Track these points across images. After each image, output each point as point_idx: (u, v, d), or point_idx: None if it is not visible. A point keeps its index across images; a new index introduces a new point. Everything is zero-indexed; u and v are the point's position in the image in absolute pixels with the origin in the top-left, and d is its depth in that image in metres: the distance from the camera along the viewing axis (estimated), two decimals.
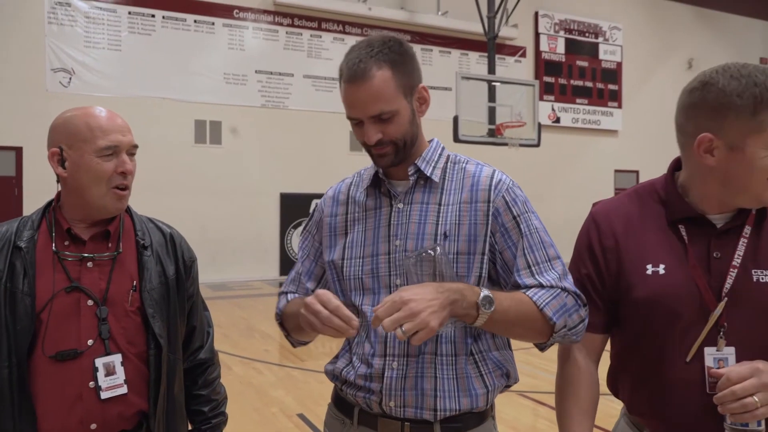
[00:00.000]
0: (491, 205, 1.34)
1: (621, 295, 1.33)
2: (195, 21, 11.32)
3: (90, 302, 1.38)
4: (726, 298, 1.24)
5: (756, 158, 1.19)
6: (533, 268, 1.32)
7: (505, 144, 9.96)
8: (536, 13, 14.38)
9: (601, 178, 15.21)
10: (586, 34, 15.11)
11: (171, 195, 10.85)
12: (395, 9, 12.86)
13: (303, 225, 1.55)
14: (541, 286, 1.30)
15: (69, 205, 1.44)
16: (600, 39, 15.28)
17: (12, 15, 10.00)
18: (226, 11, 11.56)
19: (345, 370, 1.41)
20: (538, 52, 14.50)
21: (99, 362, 1.35)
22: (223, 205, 11.33)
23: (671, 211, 1.33)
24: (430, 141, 1.45)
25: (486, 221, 1.33)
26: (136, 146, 1.45)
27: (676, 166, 1.43)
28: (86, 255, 1.41)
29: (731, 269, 1.25)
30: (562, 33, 14.79)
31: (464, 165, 1.41)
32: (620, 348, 1.41)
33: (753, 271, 1.25)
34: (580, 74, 14.99)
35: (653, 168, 15.71)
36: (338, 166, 12.34)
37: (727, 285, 1.24)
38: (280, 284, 11.02)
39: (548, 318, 1.26)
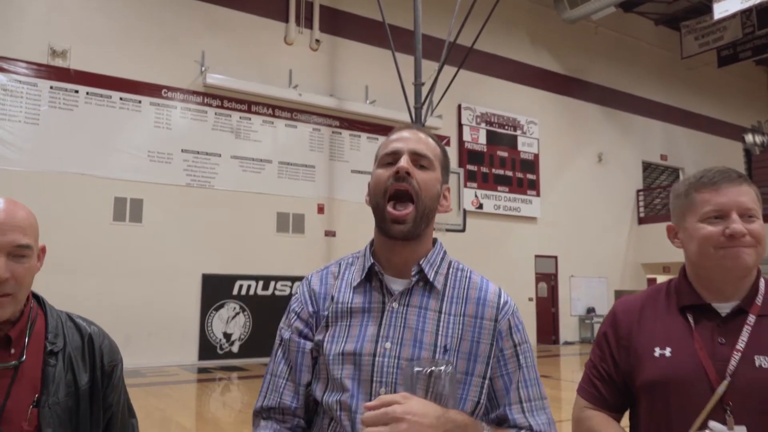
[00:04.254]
0: (497, 325, 1.26)
1: (633, 377, 1.44)
2: (121, 98, 11.15)
3: None
4: (729, 378, 1.30)
5: (695, 230, 1.39)
6: (525, 405, 1.24)
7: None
8: (459, 106, 15.12)
9: (523, 263, 15.65)
10: (506, 127, 15.96)
11: (84, 274, 10.26)
12: (325, 96, 13.19)
13: (283, 317, 1.38)
14: (531, 429, 1.23)
15: None
16: (518, 132, 16.17)
17: None
18: (154, 90, 11.48)
19: None
20: (461, 141, 15.14)
21: None
22: (140, 285, 10.78)
23: (679, 298, 1.45)
24: (434, 242, 1.36)
25: (490, 341, 1.25)
26: (23, 246, 1.24)
27: None
28: None
29: (734, 352, 1.33)
30: (483, 125, 15.56)
31: (469, 274, 1.34)
32: (635, 425, 1.49)
33: (755, 356, 1.32)
34: (501, 164, 15.70)
35: (571, 253, 16.40)
36: (264, 247, 12.18)
37: (731, 367, 1.32)
38: (199, 370, 10.47)
39: None
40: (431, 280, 1.27)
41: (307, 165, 12.89)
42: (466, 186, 13.89)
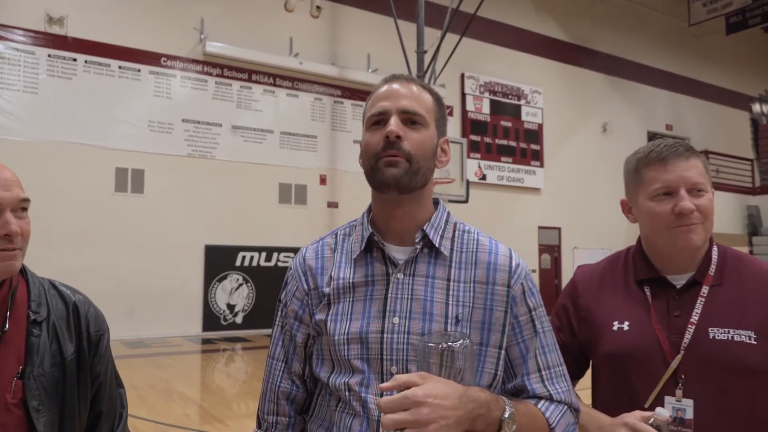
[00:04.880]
0: (510, 290, 1.17)
1: (592, 348, 1.47)
2: (120, 67, 10.98)
3: None
4: (683, 352, 1.33)
5: (645, 208, 1.41)
6: (544, 373, 1.18)
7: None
8: (462, 75, 14.91)
9: (526, 234, 15.62)
10: (509, 96, 15.77)
11: (87, 245, 10.24)
12: (326, 64, 13.00)
13: (279, 297, 1.31)
14: (551, 398, 1.17)
15: None
16: (522, 101, 15.98)
17: None
18: (154, 59, 11.30)
19: None
20: (464, 111, 14.97)
21: None
22: (143, 256, 10.77)
23: (635, 272, 1.47)
24: (436, 203, 1.26)
25: (505, 308, 1.16)
26: (26, 200, 1.24)
27: None
28: None
29: (689, 326, 1.35)
30: (487, 94, 15.37)
31: (476, 236, 1.24)
32: (595, 394, 1.53)
33: (710, 329, 1.34)
34: (504, 134, 15.55)
35: (574, 224, 16.35)
36: (266, 218, 12.12)
37: (686, 340, 1.34)
38: (203, 341, 10.52)
39: None
40: (437, 245, 1.18)
41: (309, 135, 12.76)
42: (469, 157, 13.75)
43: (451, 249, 1.20)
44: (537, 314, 1.20)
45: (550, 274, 16.04)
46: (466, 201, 10.44)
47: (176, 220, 11.15)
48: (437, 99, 1.24)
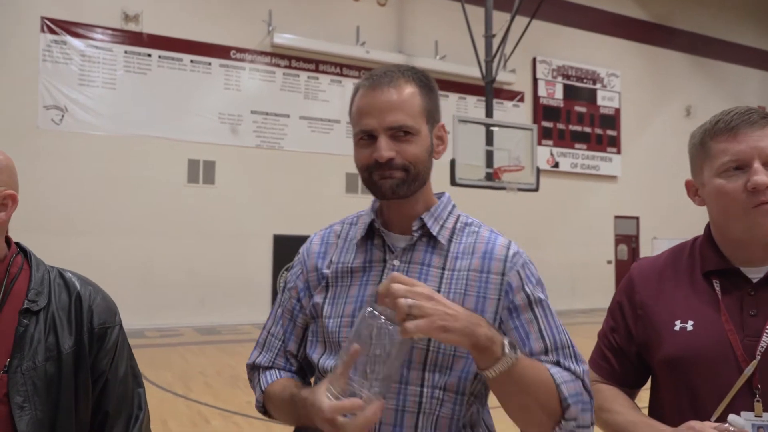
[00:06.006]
0: (504, 278, 1.14)
1: (650, 352, 1.26)
2: (191, 61, 11.28)
3: None
4: (759, 357, 1.13)
5: (713, 187, 1.19)
6: (552, 353, 1.11)
7: (503, 188, 9.78)
8: (534, 59, 14.42)
9: (601, 224, 15.00)
10: (584, 81, 15.14)
11: (160, 235, 10.60)
12: (393, 52, 12.88)
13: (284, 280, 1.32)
14: (559, 364, 1.10)
15: None
16: (598, 85, 15.31)
17: (5, 51, 9.92)
18: (223, 52, 11.53)
19: None
20: (536, 97, 14.49)
21: None
22: (214, 246, 11.06)
23: (702, 263, 1.25)
24: (440, 195, 1.24)
25: (497, 296, 1.13)
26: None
27: None
28: None
29: (767, 327, 1.14)
30: (560, 79, 14.82)
31: (477, 229, 1.21)
32: (652, 406, 1.32)
33: None
34: (578, 120, 14.95)
35: (654, 213, 15.56)
36: (333, 208, 12.14)
37: (763, 344, 1.13)
38: None
39: (563, 398, 1.05)
40: (435, 234, 1.17)
41: None
42: (540, 144, 13.31)
43: (450, 240, 1.19)
44: (536, 298, 1.14)
45: (626, 265, 15.33)
46: (536, 189, 10.10)
47: (246, 210, 11.37)
48: (424, 87, 1.17)
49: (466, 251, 1.17)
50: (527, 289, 1.14)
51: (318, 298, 1.21)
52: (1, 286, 1.15)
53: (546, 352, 1.11)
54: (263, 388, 1.24)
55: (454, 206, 1.24)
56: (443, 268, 1.15)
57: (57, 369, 1.15)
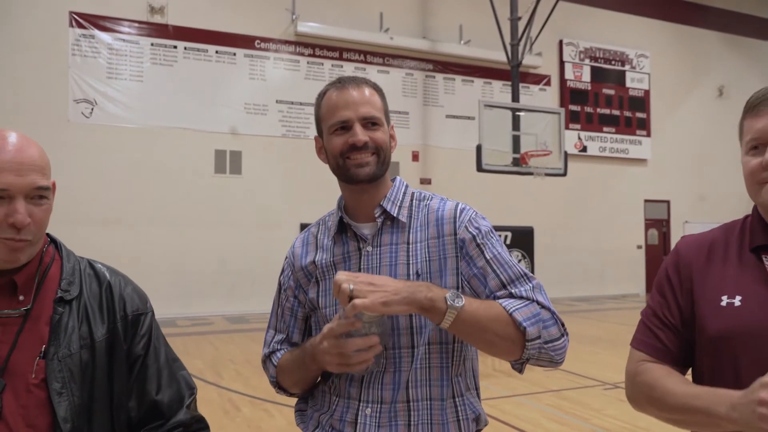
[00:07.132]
0: (456, 237, 1.32)
1: (695, 327, 1.24)
2: (216, 52, 11.34)
3: None
4: None
5: (743, 164, 1.20)
6: (508, 287, 1.28)
7: (531, 173, 9.67)
8: (560, 42, 14.19)
9: (630, 208, 14.76)
10: (612, 62, 14.85)
11: (190, 226, 10.75)
12: (417, 38, 12.78)
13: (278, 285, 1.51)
14: (511, 295, 1.26)
15: None
16: (627, 67, 15.01)
17: (36, 47, 10.10)
18: (248, 42, 11.57)
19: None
20: (563, 80, 14.26)
21: None
22: (242, 235, 11.17)
23: (752, 238, 1.22)
24: (393, 180, 1.43)
25: (455, 254, 1.32)
26: (42, 188, 1.13)
27: None
28: None
29: None
30: (587, 61, 14.56)
31: (428, 202, 1.40)
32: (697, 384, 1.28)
33: None
34: (606, 102, 14.69)
35: (685, 197, 15.26)
36: None
37: None
38: None
39: (518, 323, 1.20)
40: (396, 215, 1.36)
41: (400, 111, 12.64)
42: (567, 128, 13.11)
43: (410, 216, 1.37)
44: (487, 245, 1.31)
45: (657, 250, 15.09)
46: (564, 174, 9.97)
47: (272, 199, 11.45)
48: (381, 93, 1.40)
49: (422, 223, 1.35)
50: (478, 239, 1.31)
51: (312, 293, 1.40)
52: (34, 275, 1.18)
53: (503, 286, 1.27)
54: (275, 364, 1.43)
55: (407, 186, 1.43)
56: (408, 243, 1.34)
57: (91, 357, 1.17)
